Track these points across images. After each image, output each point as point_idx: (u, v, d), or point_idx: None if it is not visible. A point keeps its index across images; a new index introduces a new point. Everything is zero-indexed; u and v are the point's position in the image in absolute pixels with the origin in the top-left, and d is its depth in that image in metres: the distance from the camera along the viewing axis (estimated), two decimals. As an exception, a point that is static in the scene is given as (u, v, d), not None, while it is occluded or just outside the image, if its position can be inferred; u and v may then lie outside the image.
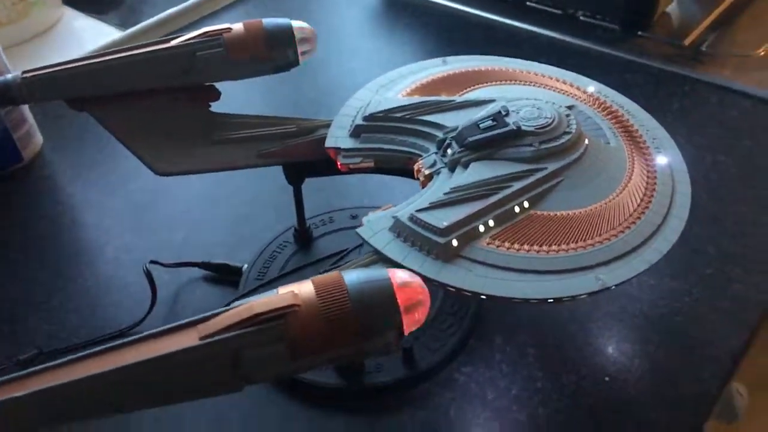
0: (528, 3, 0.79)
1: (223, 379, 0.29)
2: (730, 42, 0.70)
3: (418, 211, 0.38)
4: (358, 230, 0.39)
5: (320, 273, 0.31)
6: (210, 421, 0.43)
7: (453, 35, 0.79)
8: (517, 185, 0.39)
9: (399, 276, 0.30)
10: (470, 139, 0.41)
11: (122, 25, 0.83)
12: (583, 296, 0.35)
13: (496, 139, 0.41)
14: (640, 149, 0.43)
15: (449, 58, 0.52)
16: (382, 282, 0.30)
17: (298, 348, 0.28)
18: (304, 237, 0.52)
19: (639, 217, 0.39)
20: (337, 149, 0.45)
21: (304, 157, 0.48)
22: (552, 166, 0.40)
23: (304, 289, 0.29)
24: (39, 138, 0.67)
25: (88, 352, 0.29)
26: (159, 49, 0.47)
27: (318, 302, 0.29)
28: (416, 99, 0.46)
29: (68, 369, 0.28)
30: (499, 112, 0.42)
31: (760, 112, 0.63)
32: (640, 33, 0.74)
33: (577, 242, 0.37)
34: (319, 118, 0.48)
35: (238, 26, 0.48)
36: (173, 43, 0.47)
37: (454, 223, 0.37)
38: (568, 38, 0.74)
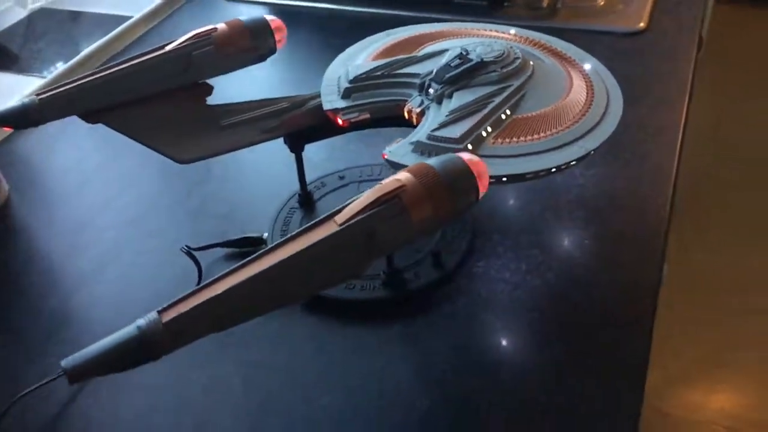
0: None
1: (362, 255, 0.37)
2: (576, -2, 0.88)
3: (433, 131, 0.48)
4: (388, 157, 0.48)
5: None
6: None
7: (335, 32, 0.89)
8: (497, 99, 0.50)
9: (466, 155, 0.40)
10: (448, 75, 0.52)
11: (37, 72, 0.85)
12: (574, 162, 0.47)
13: (467, 71, 0.52)
14: (571, 63, 0.56)
15: (390, 31, 0.62)
16: (457, 159, 0.39)
17: (414, 215, 0.37)
18: (308, 201, 0.60)
19: (589, 107, 0.51)
20: (335, 110, 0.53)
21: (304, 126, 0.55)
22: (515, 83, 0.51)
23: (402, 175, 0.38)
24: (5, 186, 0.68)
25: (250, 258, 0.35)
26: (158, 55, 0.53)
27: (417, 180, 0.38)
28: (387, 59, 0.56)
29: (239, 273, 0.35)
30: (461, 53, 0.53)
31: (619, 43, 0.80)
32: (506, 4, 0.89)
33: (554, 129, 0.49)
34: (305, 93, 0.56)
35: (221, 26, 0.55)
36: (168, 48, 0.53)
37: (465, 132, 0.47)
38: (446, 16, 0.87)
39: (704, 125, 1.80)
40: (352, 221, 0.36)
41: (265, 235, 0.57)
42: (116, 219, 0.64)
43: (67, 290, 0.57)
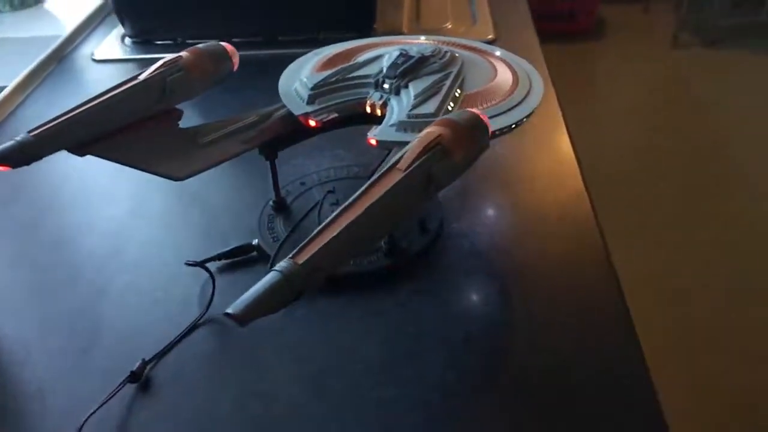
0: (280, 38, 1.00)
1: (425, 192, 0.44)
2: (429, 22, 1.01)
3: (410, 111, 0.56)
4: (378, 138, 0.55)
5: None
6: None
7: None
8: (447, 82, 0.59)
9: (477, 111, 0.49)
10: (400, 70, 0.60)
11: None
12: (524, 119, 0.57)
13: (414, 64, 0.61)
14: (484, 53, 0.67)
15: (318, 50, 0.70)
16: (470, 112, 0.48)
17: (455, 156, 0.45)
18: (283, 205, 0.64)
19: (517, 83, 0.62)
20: (306, 114, 0.60)
21: (277, 134, 0.61)
22: (454, 70, 0.61)
23: (434, 128, 0.46)
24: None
25: (343, 206, 0.41)
26: (137, 84, 0.56)
27: (448, 130, 0.46)
28: (336, 68, 0.63)
29: (343, 217, 0.40)
30: (402, 53, 0.62)
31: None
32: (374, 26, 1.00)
33: (497, 99, 0.59)
34: (267, 107, 0.62)
35: (185, 54, 0.59)
36: (142, 77, 0.57)
37: (437, 107, 0.56)
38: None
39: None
40: (413, 166, 0.43)
41: (255, 241, 0.61)
42: (102, 240, 0.64)
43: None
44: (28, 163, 0.51)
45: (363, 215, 0.40)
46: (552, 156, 0.74)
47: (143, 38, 1.01)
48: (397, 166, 0.43)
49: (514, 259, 0.60)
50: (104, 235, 0.67)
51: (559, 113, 0.78)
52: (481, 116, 0.48)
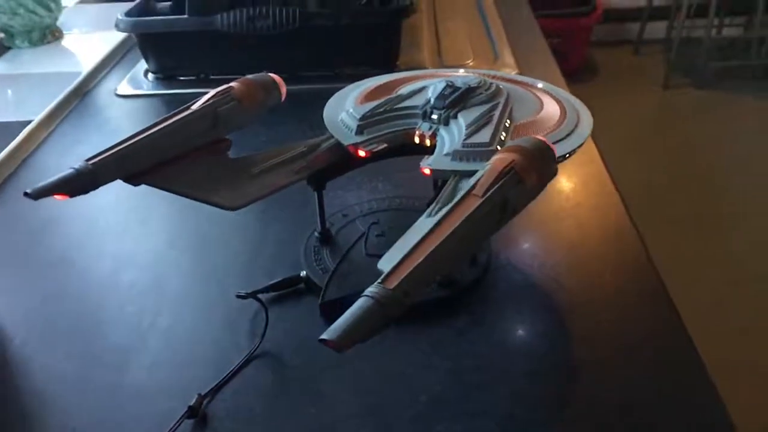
0: (304, 74, 1.00)
1: (502, 217, 0.43)
2: (450, 59, 1.02)
3: (464, 141, 0.56)
4: (432, 166, 0.55)
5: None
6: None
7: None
8: (496, 113, 0.60)
9: (543, 137, 0.49)
10: (448, 100, 0.60)
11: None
12: (578, 148, 0.57)
13: (462, 95, 0.61)
14: (531, 87, 0.68)
15: (357, 83, 0.70)
16: (538, 140, 0.48)
17: (528, 181, 0.45)
18: (327, 236, 0.64)
19: (566, 114, 0.62)
20: (356, 144, 0.59)
21: (326, 164, 0.60)
22: (501, 100, 0.62)
23: (506, 155, 0.46)
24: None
25: (427, 233, 0.40)
26: (189, 114, 0.55)
27: (520, 156, 0.46)
28: (381, 99, 0.63)
29: (427, 242, 0.40)
30: (448, 84, 0.63)
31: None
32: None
33: (547, 130, 0.59)
34: (314, 138, 0.61)
35: (236, 84, 0.59)
36: (195, 107, 0.56)
37: (491, 137, 0.56)
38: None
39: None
40: (490, 192, 0.43)
41: (303, 273, 0.60)
42: (142, 273, 0.62)
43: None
44: (85, 192, 0.50)
45: (446, 241, 0.40)
46: (592, 187, 0.74)
47: (166, 74, 1.01)
48: (474, 192, 0.43)
49: (566, 291, 0.59)
50: (144, 268, 0.65)
51: (593, 145, 0.79)
52: (547, 142, 0.48)
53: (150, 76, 1.03)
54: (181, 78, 1.01)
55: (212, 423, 0.49)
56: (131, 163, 0.52)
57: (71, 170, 0.49)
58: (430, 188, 0.71)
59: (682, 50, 3.11)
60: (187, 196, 0.54)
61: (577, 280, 0.60)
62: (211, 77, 1.01)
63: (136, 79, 1.02)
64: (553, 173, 0.48)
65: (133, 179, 0.53)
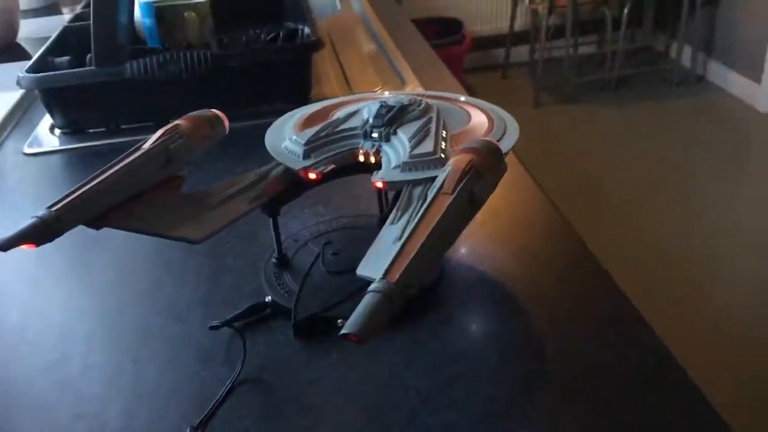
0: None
1: (471, 210, 0.47)
2: (360, 87, 1.07)
3: (411, 153, 0.60)
4: (385, 179, 0.58)
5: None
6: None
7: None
8: (432, 125, 0.64)
9: (491, 139, 0.53)
10: (386, 118, 0.64)
11: None
12: (513, 146, 0.63)
13: (398, 113, 0.65)
14: (455, 101, 0.73)
15: (290, 113, 0.72)
16: (488, 141, 0.52)
17: (487, 176, 0.49)
18: (285, 260, 0.65)
19: (494, 123, 0.67)
20: (306, 167, 0.62)
21: (280, 190, 0.62)
22: (434, 115, 0.66)
23: (462, 155, 0.50)
24: None
25: (409, 234, 0.43)
26: (141, 154, 0.56)
27: (475, 157, 0.50)
28: (321, 125, 0.66)
29: (414, 238, 0.43)
30: (382, 104, 0.66)
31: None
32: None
33: (482, 136, 0.64)
34: (263, 167, 0.63)
35: (181, 122, 0.60)
36: (146, 147, 0.57)
37: (434, 146, 0.60)
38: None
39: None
40: (458, 188, 0.47)
41: (268, 298, 0.61)
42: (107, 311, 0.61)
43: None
44: (50, 240, 0.50)
45: (432, 234, 0.43)
46: (519, 188, 0.80)
47: (75, 128, 0.99)
48: (443, 191, 0.47)
49: (519, 281, 0.64)
50: (96, 315, 0.64)
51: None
52: (494, 142, 0.53)
53: (56, 131, 1.00)
54: (90, 131, 0.99)
55: (211, 454, 0.49)
56: (92, 207, 0.52)
57: (35, 219, 0.49)
58: (369, 205, 0.75)
59: (547, 69, 3.34)
60: (150, 234, 0.54)
61: (526, 271, 0.65)
62: (122, 127, 1.00)
63: (42, 136, 0.99)
64: (505, 168, 0.52)
65: (94, 223, 0.52)
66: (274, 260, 0.65)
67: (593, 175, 2.69)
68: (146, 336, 0.61)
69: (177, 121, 0.60)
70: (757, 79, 3.07)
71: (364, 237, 0.70)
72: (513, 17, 3.48)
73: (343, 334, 0.36)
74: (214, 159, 0.77)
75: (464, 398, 0.51)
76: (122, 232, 0.72)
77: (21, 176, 0.93)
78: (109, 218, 0.53)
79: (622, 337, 0.56)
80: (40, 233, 0.48)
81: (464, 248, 0.68)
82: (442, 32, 3.27)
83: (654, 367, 0.53)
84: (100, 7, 0.93)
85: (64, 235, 0.51)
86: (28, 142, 0.98)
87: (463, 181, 0.47)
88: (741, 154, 2.88)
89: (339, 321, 0.58)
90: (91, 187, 0.52)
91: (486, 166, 0.49)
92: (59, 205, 0.50)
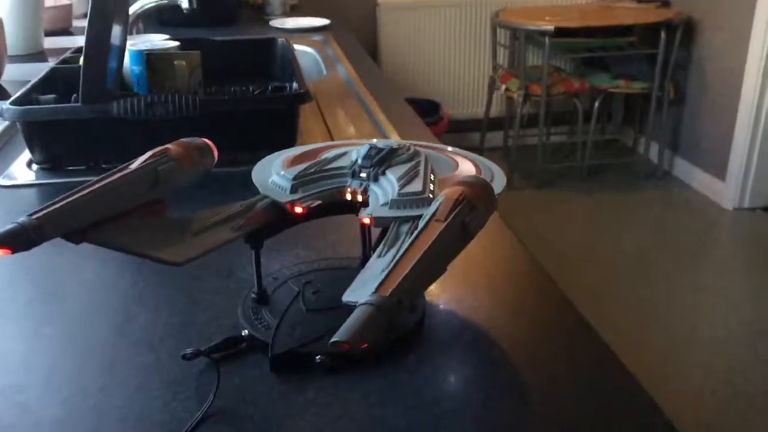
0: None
1: (461, 238, 0.47)
2: (341, 137, 1.08)
3: (400, 191, 0.60)
4: (373, 215, 0.58)
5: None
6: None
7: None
8: (421, 168, 0.64)
9: (483, 177, 0.54)
10: (376, 159, 0.65)
11: None
12: (502, 191, 0.63)
13: (387, 155, 0.65)
14: (442, 150, 0.74)
15: (278, 152, 0.72)
16: (479, 177, 0.53)
17: (479, 208, 0.49)
18: (264, 296, 0.63)
19: (480, 171, 0.68)
20: (292, 201, 0.61)
21: (264, 222, 0.61)
22: (422, 159, 0.67)
23: (454, 189, 0.50)
24: None
25: (403, 252, 0.43)
26: (130, 172, 0.55)
27: (466, 188, 0.50)
28: (309, 162, 0.66)
29: (409, 254, 0.42)
30: (371, 146, 0.67)
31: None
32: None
33: (468, 182, 0.65)
34: (250, 198, 0.62)
35: (172, 146, 0.59)
36: (134, 167, 0.56)
37: (422, 186, 0.60)
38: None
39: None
40: (450, 217, 0.47)
41: (245, 332, 0.59)
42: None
43: None
44: (28, 248, 0.48)
45: (424, 256, 0.43)
46: (496, 238, 0.80)
47: (54, 164, 0.98)
48: (436, 218, 0.47)
49: (501, 327, 0.63)
50: (54, 340, 0.61)
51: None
52: (485, 179, 0.53)
53: (33, 167, 0.99)
54: (69, 168, 0.98)
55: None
56: (73, 219, 0.51)
57: (15, 224, 0.47)
58: (349, 249, 0.74)
59: (520, 155, 3.43)
60: (129, 253, 0.52)
61: (507, 316, 0.65)
62: (103, 165, 0.99)
63: (17, 171, 0.98)
64: (495, 205, 0.53)
65: (74, 237, 0.51)
66: (253, 295, 0.64)
67: (562, 258, 2.73)
68: (114, 363, 0.58)
69: (167, 145, 0.59)
70: (722, 177, 3.18)
71: (345, 277, 0.69)
72: (489, 103, 3.59)
73: (334, 341, 0.35)
74: (194, 200, 0.77)
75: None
76: (97, 259, 0.71)
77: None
78: (89, 233, 0.51)
79: (603, 384, 0.55)
80: (18, 239, 0.47)
81: (446, 294, 0.67)
82: (421, 113, 3.35)
83: (638, 413, 0.52)
84: (92, 49, 0.94)
85: (35, 260, 0.49)
86: (1, 175, 0.96)
87: (456, 210, 0.47)
88: (705, 247, 2.95)
89: (317, 357, 0.57)
90: (74, 199, 0.51)
91: (478, 199, 0.50)
92: (40, 213, 0.48)
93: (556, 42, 3.10)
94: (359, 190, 0.63)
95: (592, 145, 3.44)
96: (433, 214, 0.47)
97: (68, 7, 1.86)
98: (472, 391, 0.55)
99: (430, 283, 0.45)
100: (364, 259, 0.70)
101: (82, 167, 0.98)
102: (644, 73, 3.29)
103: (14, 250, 0.47)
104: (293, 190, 0.63)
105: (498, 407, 0.53)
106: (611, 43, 3.34)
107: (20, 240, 0.47)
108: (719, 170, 3.19)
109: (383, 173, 0.64)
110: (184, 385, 0.55)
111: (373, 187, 0.63)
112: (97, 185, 0.53)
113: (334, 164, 0.66)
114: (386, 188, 0.62)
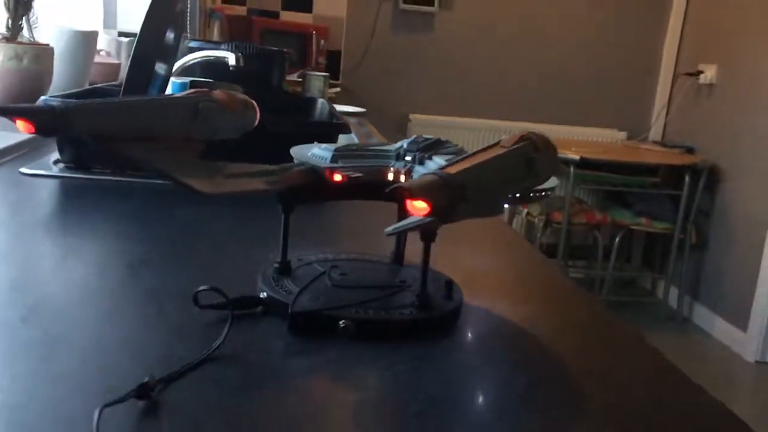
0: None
1: (527, 173, 0.43)
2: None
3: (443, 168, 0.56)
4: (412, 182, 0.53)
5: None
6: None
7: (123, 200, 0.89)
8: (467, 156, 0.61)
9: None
10: (422, 144, 0.61)
11: None
12: (553, 188, 0.59)
13: (434, 143, 0.62)
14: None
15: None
16: (539, 133, 0.49)
17: (542, 153, 0.45)
18: (287, 268, 0.58)
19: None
20: (332, 168, 0.57)
21: (300, 183, 0.57)
22: (467, 152, 0.63)
23: (516, 135, 0.46)
24: None
25: (460, 159, 0.39)
26: (170, 98, 0.52)
27: (532, 135, 0.46)
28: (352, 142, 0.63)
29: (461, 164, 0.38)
30: (417, 136, 0.64)
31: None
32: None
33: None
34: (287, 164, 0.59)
35: (215, 90, 0.57)
36: (176, 96, 0.53)
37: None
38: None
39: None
40: (513, 147, 0.43)
41: (263, 294, 0.54)
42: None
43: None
44: (52, 132, 0.44)
45: (482, 165, 0.38)
46: (518, 250, 0.75)
47: (81, 165, 0.95)
48: (500, 144, 0.43)
49: (535, 321, 0.57)
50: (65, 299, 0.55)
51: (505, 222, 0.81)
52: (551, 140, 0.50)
53: (60, 165, 0.96)
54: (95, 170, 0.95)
55: (168, 411, 0.39)
56: (104, 122, 0.47)
57: (44, 104, 0.44)
58: (379, 249, 0.68)
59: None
60: (158, 172, 0.48)
61: (545, 316, 0.58)
62: (128, 172, 0.96)
63: (42, 164, 0.95)
64: (558, 167, 0.48)
65: (104, 142, 0.47)
66: (275, 265, 0.58)
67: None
68: (120, 316, 0.52)
69: (209, 88, 0.57)
70: (744, 328, 3.08)
71: (374, 268, 0.64)
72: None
73: (394, 188, 0.30)
74: (219, 218, 0.73)
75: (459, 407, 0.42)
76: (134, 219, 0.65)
77: (12, 192, 0.87)
78: (121, 143, 0.48)
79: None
80: (42, 117, 0.43)
81: (483, 294, 0.62)
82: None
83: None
84: (133, 76, 0.94)
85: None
86: (27, 166, 0.94)
87: (520, 144, 0.43)
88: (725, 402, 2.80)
89: (342, 321, 0.50)
90: (108, 101, 0.47)
91: (541, 146, 0.46)
92: (72, 102, 0.45)
93: (580, 173, 3.14)
94: (403, 170, 0.59)
95: (610, 282, 3.38)
96: (497, 142, 0.44)
97: (117, 66, 1.92)
98: (509, 376, 0.48)
99: (488, 197, 0.41)
100: (397, 257, 0.65)
101: (108, 171, 0.96)
102: (666, 214, 3.29)
103: (37, 129, 0.43)
104: (334, 160, 0.59)
105: (539, 393, 0.46)
106: (635, 181, 3.37)
107: (45, 118, 0.43)
108: (741, 320, 3.10)
109: (429, 158, 0.60)
110: (192, 334, 0.49)
111: (418, 168, 0.59)
112: (135, 98, 0.50)
113: (379, 147, 0.63)
114: (431, 168, 0.58)
